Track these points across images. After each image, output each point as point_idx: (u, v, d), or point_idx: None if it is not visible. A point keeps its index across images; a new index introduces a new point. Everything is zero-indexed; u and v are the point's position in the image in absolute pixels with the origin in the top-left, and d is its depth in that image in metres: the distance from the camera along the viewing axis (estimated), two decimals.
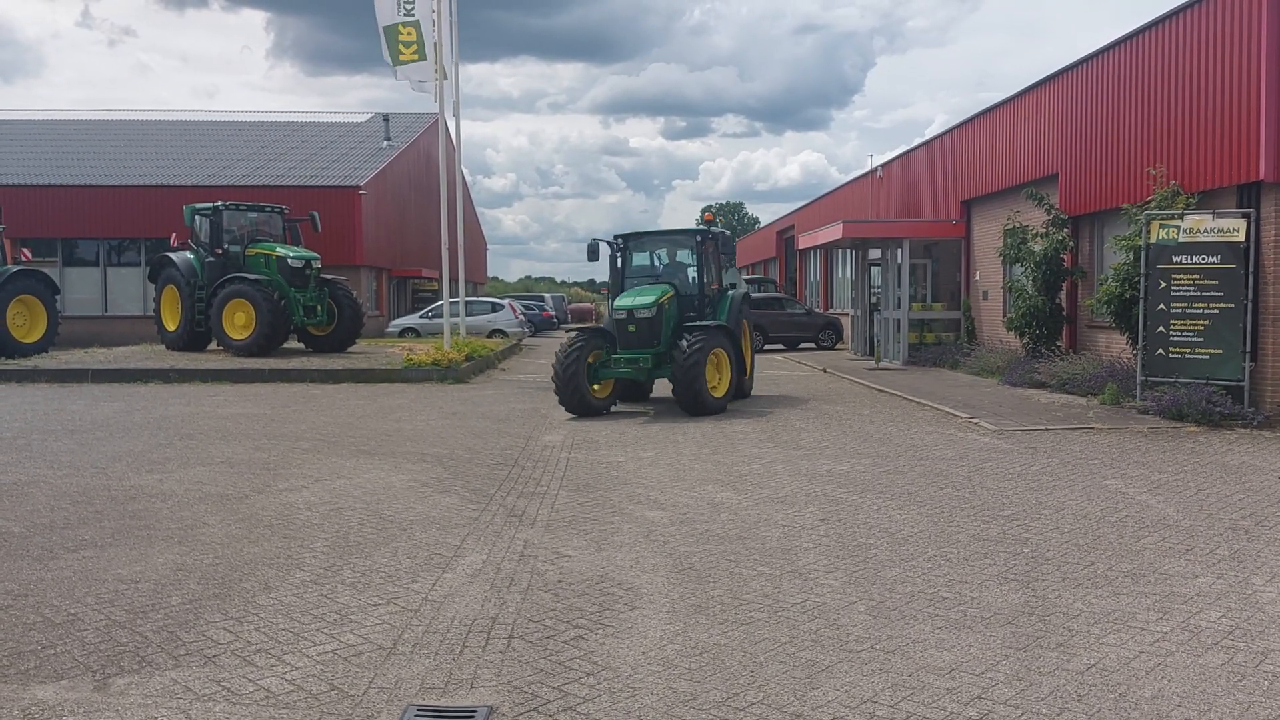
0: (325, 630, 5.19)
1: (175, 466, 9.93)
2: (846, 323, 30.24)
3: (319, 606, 5.57)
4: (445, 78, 23.40)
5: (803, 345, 30.53)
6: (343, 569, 6.33)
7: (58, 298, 24.08)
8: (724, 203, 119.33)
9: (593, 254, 15.50)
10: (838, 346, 30.55)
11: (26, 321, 22.71)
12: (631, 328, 14.34)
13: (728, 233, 15.93)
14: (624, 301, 14.63)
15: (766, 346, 29.47)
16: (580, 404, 13.95)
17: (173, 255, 23.97)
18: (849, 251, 30.24)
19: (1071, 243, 17.75)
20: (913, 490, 8.75)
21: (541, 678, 4.57)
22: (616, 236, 15.80)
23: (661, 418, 13.91)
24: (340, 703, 4.29)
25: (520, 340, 32.66)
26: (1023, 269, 18.44)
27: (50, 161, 37.72)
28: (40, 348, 22.57)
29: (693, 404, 13.83)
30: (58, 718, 4.10)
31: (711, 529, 7.42)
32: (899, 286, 23.00)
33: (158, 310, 24.33)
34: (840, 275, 34.26)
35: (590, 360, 14.24)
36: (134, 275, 33.59)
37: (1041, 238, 17.89)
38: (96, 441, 11.41)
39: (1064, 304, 18.19)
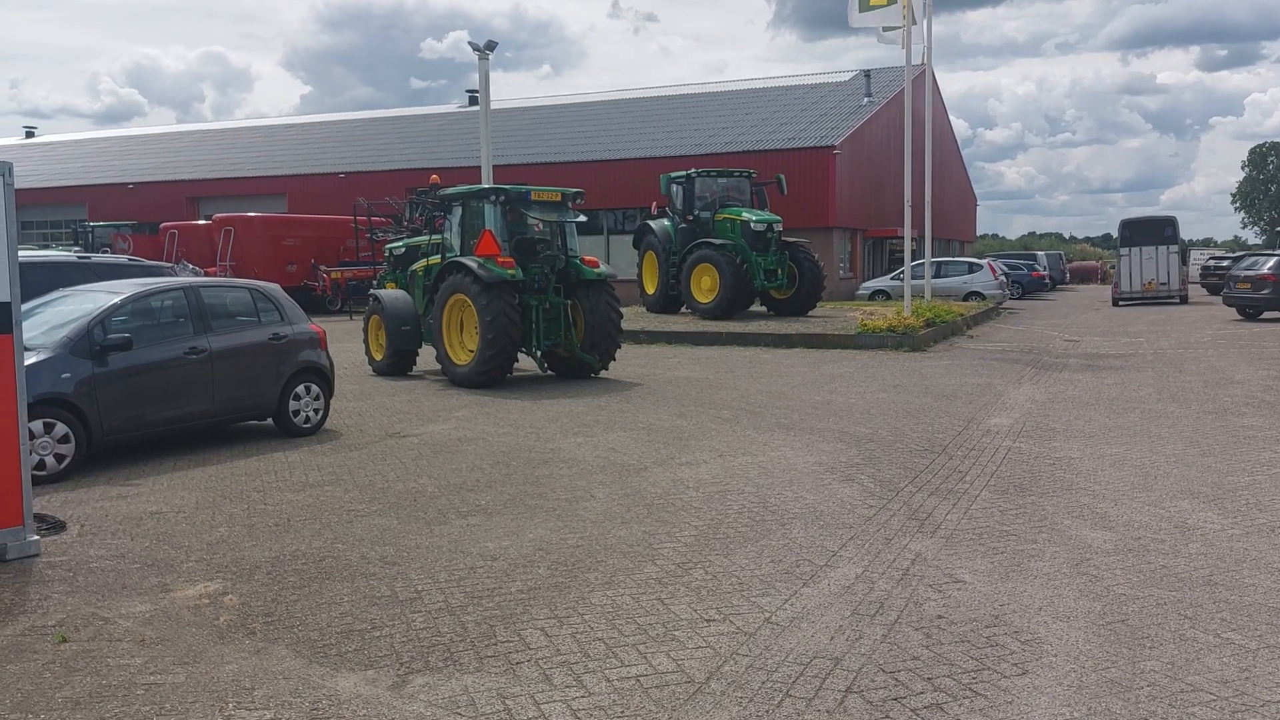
0: (640, 648, 4.58)
1: (600, 430, 10.10)
2: None
3: (648, 614, 4.99)
4: (914, 22, 21.86)
5: None
6: (695, 568, 5.71)
7: None
8: (1276, 141, 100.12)
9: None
10: None
11: None
12: None
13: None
14: None
15: None
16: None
17: (652, 223, 25.32)
18: None
19: None
20: None
21: None
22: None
23: (1143, 404, 11.52)
24: None
25: (999, 304, 29.92)
26: None
27: (568, 141, 42.15)
28: None
29: None
30: (339, 718, 3.94)
31: (1170, 564, 5.65)
32: None
33: (639, 274, 25.94)
34: None
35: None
36: (629, 242, 36.39)
37: None
38: (546, 401, 12.08)
39: None
